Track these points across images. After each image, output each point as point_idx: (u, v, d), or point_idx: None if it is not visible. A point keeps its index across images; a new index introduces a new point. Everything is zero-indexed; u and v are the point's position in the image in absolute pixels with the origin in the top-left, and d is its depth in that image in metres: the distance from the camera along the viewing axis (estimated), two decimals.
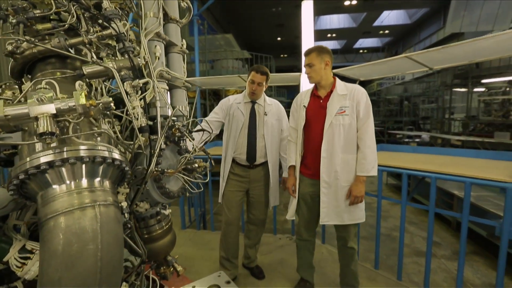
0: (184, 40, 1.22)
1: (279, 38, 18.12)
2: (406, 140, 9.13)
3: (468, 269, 2.73)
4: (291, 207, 2.01)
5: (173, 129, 1.06)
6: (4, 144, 0.95)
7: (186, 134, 1.10)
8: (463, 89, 9.86)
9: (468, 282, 2.51)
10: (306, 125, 1.89)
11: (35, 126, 0.69)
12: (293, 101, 2.03)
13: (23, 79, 0.92)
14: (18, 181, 0.65)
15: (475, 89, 9.13)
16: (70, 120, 0.70)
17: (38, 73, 0.87)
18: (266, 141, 2.15)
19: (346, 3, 13.17)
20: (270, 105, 2.23)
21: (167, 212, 1.32)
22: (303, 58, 1.90)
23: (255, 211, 2.27)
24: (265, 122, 2.15)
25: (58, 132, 0.65)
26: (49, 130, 0.63)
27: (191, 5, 1.29)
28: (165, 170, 1.03)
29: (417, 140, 8.99)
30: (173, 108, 1.14)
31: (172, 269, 1.40)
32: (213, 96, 8.49)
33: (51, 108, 0.64)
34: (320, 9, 13.24)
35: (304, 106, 1.89)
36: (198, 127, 1.25)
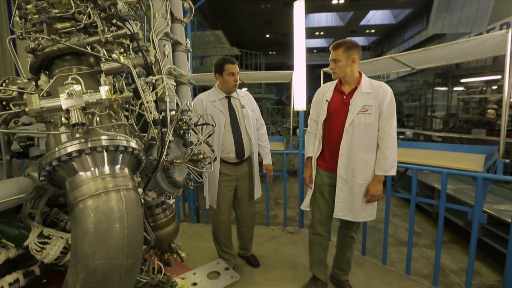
0: (188, 39, 1.30)
1: (267, 35, 18.17)
2: None
3: (447, 256, 2.96)
4: (307, 198, 2.00)
5: (180, 123, 1.14)
6: (22, 136, 1.00)
7: (192, 127, 1.18)
8: (443, 88, 10.32)
9: (446, 268, 2.72)
10: (327, 120, 1.85)
11: (63, 118, 0.76)
12: (316, 93, 1.96)
13: (39, 75, 0.98)
14: (50, 167, 0.72)
15: (455, 88, 9.58)
16: (97, 112, 0.77)
17: (56, 69, 0.92)
18: (250, 134, 2.14)
19: (334, 2, 13.39)
20: (243, 97, 2.21)
21: (171, 201, 1.40)
22: (298, 56, 1.94)
23: (245, 207, 2.28)
24: (245, 115, 2.13)
25: (88, 122, 0.72)
26: (80, 121, 0.70)
27: (192, 6, 1.37)
28: (174, 160, 1.11)
29: (401, 136, 9.34)
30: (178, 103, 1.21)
31: (175, 255, 1.49)
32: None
33: (81, 102, 0.72)
34: (309, 7, 13.34)
35: (326, 100, 1.84)
36: (202, 121, 1.33)
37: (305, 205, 2.01)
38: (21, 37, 0.98)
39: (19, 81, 1.24)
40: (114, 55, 0.87)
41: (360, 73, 1.79)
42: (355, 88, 1.75)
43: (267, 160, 2.31)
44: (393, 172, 1.72)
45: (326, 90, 1.89)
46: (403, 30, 16.81)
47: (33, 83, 1.03)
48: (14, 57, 1.14)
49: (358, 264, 2.45)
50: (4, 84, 1.16)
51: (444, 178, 1.88)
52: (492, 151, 2.32)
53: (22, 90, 0.92)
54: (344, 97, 1.79)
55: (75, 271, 0.70)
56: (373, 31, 18.16)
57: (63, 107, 0.70)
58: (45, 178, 0.76)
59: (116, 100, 0.77)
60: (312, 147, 1.95)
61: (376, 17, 16.00)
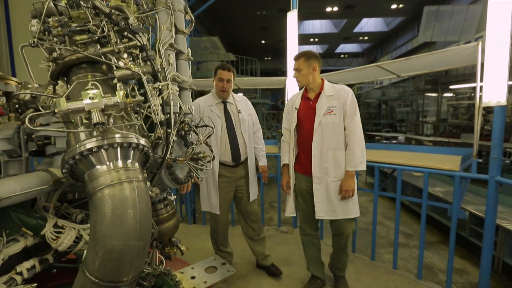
0: (189, 49, 1.42)
1: (263, 41, 18.47)
2: (384, 141, 9.71)
3: (436, 256, 3.09)
4: (289, 204, 2.08)
5: (182, 124, 1.26)
6: (40, 135, 1.11)
7: (194, 128, 1.30)
8: (434, 94, 10.63)
9: (435, 268, 2.85)
10: (298, 126, 1.98)
11: (83, 118, 0.88)
12: (286, 103, 2.10)
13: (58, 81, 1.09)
14: (73, 161, 0.83)
15: (445, 94, 9.90)
16: (113, 113, 0.88)
17: (73, 76, 1.04)
18: (245, 138, 2.20)
19: (328, 9, 13.75)
20: (240, 102, 2.27)
21: (172, 198, 1.51)
22: (293, 62, 2.01)
23: (246, 206, 2.31)
24: (241, 120, 2.19)
25: (106, 122, 0.84)
26: (101, 121, 0.82)
27: (193, 18, 1.50)
28: (177, 158, 1.23)
29: (394, 141, 9.58)
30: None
31: (175, 249, 1.59)
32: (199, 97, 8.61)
33: (101, 104, 0.83)
34: (304, 14, 13.72)
35: (295, 108, 1.98)
36: (202, 123, 1.45)
37: (290, 212, 2.08)
38: (33, 45, 1.09)
39: (30, 86, 1.35)
40: (121, 63, 0.99)
41: (322, 80, 1.94)
42: (319, 93, 1.90)
43: (263, 162, 2.38)
44: (362, 167, 1.82)
45: (295, 99, 2.04)
46: (395, 37, 17.27)
47: (50, 87, 1.14)
48: (25, 64, 1.25)
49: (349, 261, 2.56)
50: (21, 88, 1.27)
51: (426, 177, 2.03)
52: (469, 152, 2.49)
53: (52, 96, 1.03)
54: (311, 102, 1.93)
55: (94, 250, 0.81)
56: (366, 38, 18.61)
57: (86, 109, 0.82)
58: (67, 171, 0.87)
59: (130, 103, 0.89)
60: (287, 154, 2.06)
61: (369, 24, 16.44)
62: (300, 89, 2.07)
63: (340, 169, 1.85)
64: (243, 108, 2.26)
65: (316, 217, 1.92)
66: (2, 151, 0.98)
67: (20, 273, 1.02)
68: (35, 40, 1.11)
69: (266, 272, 2.37)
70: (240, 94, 2.36)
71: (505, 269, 2.73)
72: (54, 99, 0.80)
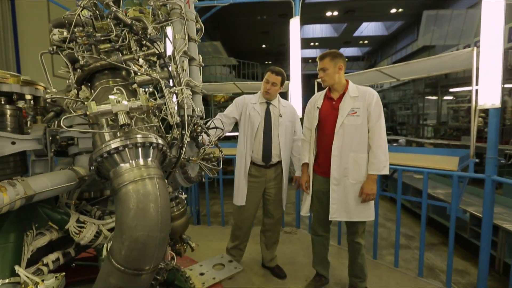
0: (200, 55, 1.51)
1: (263, 45, 18.65)
2: None
3: (438, 258, 3.15)
4: (305, 203, 2.07)
5: (195, 126, 1.34)
6: (64, 136, 1.20)
7: (205, 129, 1.38)
8: (434, 97, 10.71)
9: (437, 269, 2.91)
10: (319, 125, 1.96)
11: (109, 120, 0.96)
12: (308, 102, 2.10)
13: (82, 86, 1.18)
14: (101, 159, 0.92)
15: (445, 97, 9.98)
16: (136, 115, 0.97)
17: (96, 82, 1.13)
18: (281, 142, 2.21)
19: (328, 14, 13.92)
20: (285, 107, 2.31)
21: (183, 196, 1.59)
22: (297, 67, 2.08)
23: (272, 210, 2.34)
24: (280, 123, 2.22)
25: (132, 123, 0.92)
26: (127, 122, 0.90)
27: (203, 26, 1.60)
28: (190, 158, 1.31)
29: (394, 144, 9.65)
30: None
31: (186, 246, 1.66)
32: (202, 101, 8.73)
33: (126, 107, 0.92)
34: (304, 19, 13.82)
35: (317, 107, 1.97)
36: (213, 125, 1.54)
37: (305, 211, 2.07)
38: (52, 52, 1.18)
39: (49, 91, 1.44)
40: (136, 70, 1.07)
41: (347, 80, 1.93)
42: (343, 94, 1.88)
43: (298, 172, 2.30)
44: (385, 171, 1.78)
45: (317, 98, 2.03)
46: (395, 41, 17.41)
47: (73, 91, 1.23)
48: (44, 70, 1.34)
49: (334, 253, 2.62)
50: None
51: (425, 176, 2.11)
52: (466, 153, 2.57)
53: (80, 99, 1.12)
54: (334, 102, 1.91)
55: (120, 240, 0.88)
56: (366, 42, 18.77)
57: (113, 111, 0.90)
58: (95, 168, 0.95)
59: (151, 106, 0.98)
60: (308, 154, 2.05)
61: (369, 28, 16.59)
62: (324, 89, 2.05)
63: (360, 172, 1.83)
64: (286, 113, 2.28)
65: (330, 219, 1.92)
66: (32, 151, 1.06)
67: (46, 265, 1.10)
68: (54, 47, 1.20)
69: (271, 273, 2.42)
70: (287, 101, 2.36)
71: (506, 269, 2.76)
72: (86, 103, 0.89)
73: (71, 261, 1.31)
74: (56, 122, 1.15)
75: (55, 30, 1.19)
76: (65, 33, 1.16)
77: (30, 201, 0.91)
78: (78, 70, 1.09)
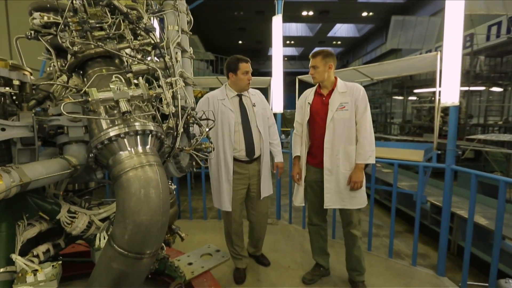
0: (191, 48, 1.53)
1: (240, 42, 18.59)
2: None
3: (403, 244, 3.45)
4: (298, 194, 2.15)
5: (188, 117, 1.37)
6: (52, 125, 1.17)
7: (198, 120, 1.42)
8: (400, 97, 11.50)
9: (402, 253, 3.19)
10: (311, 120, 2.06)
11: (107, 108, 0.97)
12: (299, 98, 2.18)
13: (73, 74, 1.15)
14: (101, 145, 0.92)
15: (410, 98, 10.76)
16: (136, 103, 0.98)
17: (89, 69, 1.11)
18: (261, 131, 2.16)
19: (304, 13, 14.24)
20: (254, 95, 2.24)
21: (173, 187, 1.61)
22: (279, 64, 2.18)
23: (257, 206, 2.26)
24: (256, 113, 2.15)
25: (133, 111, 0.94)
26: (128, 110, 0.92)
27: (192, 18, 1.62)
28: (183, 147, 1.34)
29: None
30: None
31: (175, 236, 1.68)
32: None
33: (127, 95, 0.93)
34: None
35: (308, 103, 2.06)
36: (204, 116, 1.57)
37: (299, 201, 2.15)
38: (29, 37, 1.13)
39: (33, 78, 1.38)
40: (128, 57, 1.08)
41: (335, 77, 2.04)
42: (332, 90, 1.99)
43: (279, 158, 2.34)
44: (371, 161, 1.89)
45: (308, 94, 2.12)
46: (366, 43, 18.30)
47: (62, 78, 1.20)
48: (19, 55, 1.29)
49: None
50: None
51: (395, 167, 2.33)
52: (430, 146, 2.86)
53: (75, 87, 1.09)
54: (324, 98, 2.02)
55: (123, 225, 0.90)
56: (339, 42, 19.49)
57: (115, 99, 0.91)
58: (94, 156, 0.95)
59: (151, 95, 1.00)
60: (299, 147, 2.14)
61: (342, 30, 17.26)
62: (314, 85, 2.13)
63: (350, 162, 1.94)
64: (258, 102, 2.22)
65: (325, 207, 2.01)
66: (19, 139, 1.02)
67: (37, 256, 1.07)
68: (32, 32, 1.16)
69: (255, 261, 2.52)
70: (254, 89, 2.29)
71: (459, 251, 3.14)
72: (87, 89, 0.89)
73: (58, 256, 1.28)
74: (49, 109, 1.12)
75: (36, 14, 1.14)
76: (45, 18, 1.12)
77: (25, 189, 0.89)
78: (71, 56, 1.07)
